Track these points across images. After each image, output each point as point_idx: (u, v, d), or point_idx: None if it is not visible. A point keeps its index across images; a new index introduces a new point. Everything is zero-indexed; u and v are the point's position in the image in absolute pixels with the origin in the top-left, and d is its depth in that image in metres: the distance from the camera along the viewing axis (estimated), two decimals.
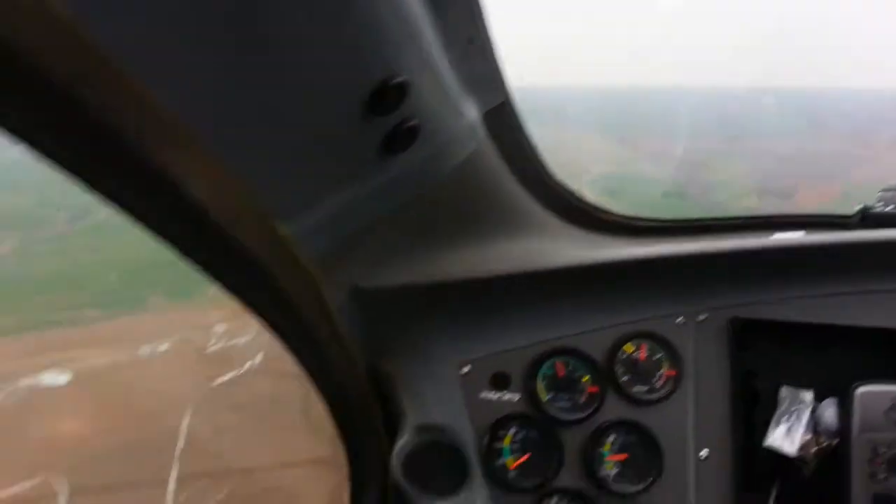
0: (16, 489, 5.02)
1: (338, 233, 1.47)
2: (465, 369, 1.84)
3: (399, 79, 1.25)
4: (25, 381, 5.84)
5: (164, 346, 6.17)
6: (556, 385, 1.83)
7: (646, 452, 1.80)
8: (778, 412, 1.79)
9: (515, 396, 1.83)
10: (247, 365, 5.60)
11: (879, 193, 2.08)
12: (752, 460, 1.80)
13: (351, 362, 1.65)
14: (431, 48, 1.39)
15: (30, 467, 5.05)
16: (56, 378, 5.82)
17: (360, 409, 1.76)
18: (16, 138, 0.68)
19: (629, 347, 1.83)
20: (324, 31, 1.06)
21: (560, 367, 1.84)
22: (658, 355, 1.83)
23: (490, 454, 1.81)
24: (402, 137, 1.38)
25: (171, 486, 4.98)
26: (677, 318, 1.83)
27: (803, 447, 1.74)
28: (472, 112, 1.70)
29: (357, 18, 1.09)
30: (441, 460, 1.79)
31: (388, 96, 1.24)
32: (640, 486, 1.79)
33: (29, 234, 10.10)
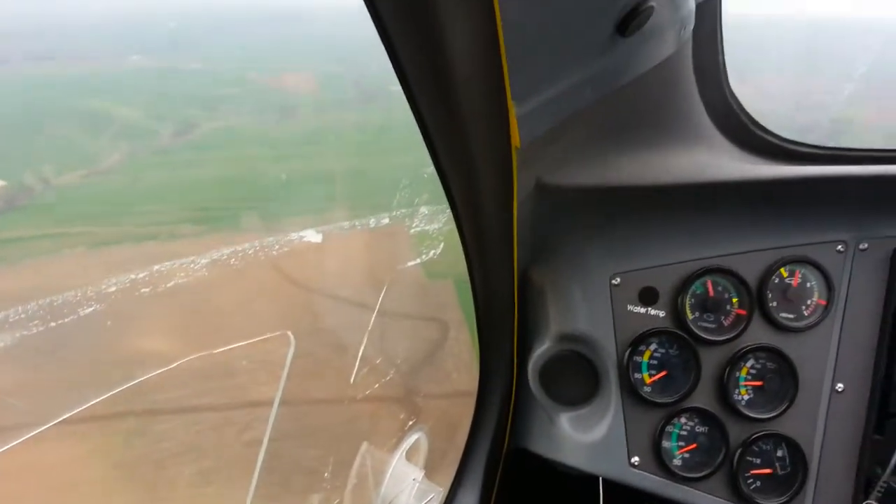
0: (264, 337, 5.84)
1: (549, 122, 1.48)
2: (616, 281, 1.86)
3: None
4: (294, 235, 6.77)
5: (385, 220, 6.93)
6: (703, 304, 1.84)
7: (782, 380, 1.81)
8: None
9: (661, 312, 1.85)
10: (430, 253, 6.14)
11: None
12: (887, 400, 1.77)
13: (509, 259, 1.71)
14: None
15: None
16: (314, 235, 6.86)
17: (503, 311, 1.83)
18: None
19: (784, 272, 1.81)
20: None
21: (710, 286, 1.84)
22: (811, 283, 1.80)
23: (629, 367, 1.85)
24: (636, 18, 1.37)
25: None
26: (838, 245, 1.78)
27: None
28: (689, 4, 1.68)
29: None
30: (576, 371, 1.85)
31: None
32: (771, 414, 1.81)
33: (136, 145, 10.63)
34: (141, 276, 6.12)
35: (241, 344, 5.88)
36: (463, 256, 1.68)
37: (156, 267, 6.30)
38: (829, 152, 2.15)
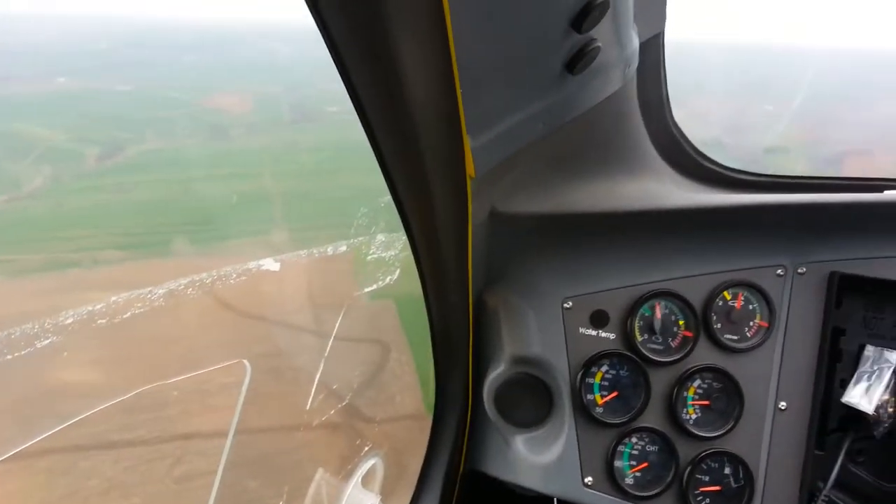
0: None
1: (502, 153, 1.52)
2: (568, 304, 1.91)
3: None
4: (252, 264, 6.63)
5: (343, 248, 7.26)
6: (651, 327, 1.90)
7: (728, 400, 1.88)
8: (860, 370, 1.82)
9: (612, 335, 1.90)
10: (387, 279, 6.45)
11: None
12: (826, 416, 1.85)
13: (464, 285, 1.74)
14: None
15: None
16: (272, 264, 6.93)
17: (459, 336, 1.86)
18: None
19: (727, 295, 1.88)
20: None
21: (658, 309, 1.90)
22: (753, 305, 1.88)
23: (581, 388, 1.89)
24: (584, 58, 1.42)
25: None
26: (777, 269, 1.86)
27: (880, 406, 1.77)
28: (633, 41, 1.74)
29: None
30: (530, 394, 1.88)
31: (591, 14, 1.29)
32: (718, 432, 1.87)
33: (60, 168, 10.25)
34: (98, 307, 6.04)
35: (196, 373, 5.90)
36: (417, 281, 1.71)
37: (113, 298, 6.24)
38: (767, 180, 2.24)
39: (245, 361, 6.17)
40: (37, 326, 5.91)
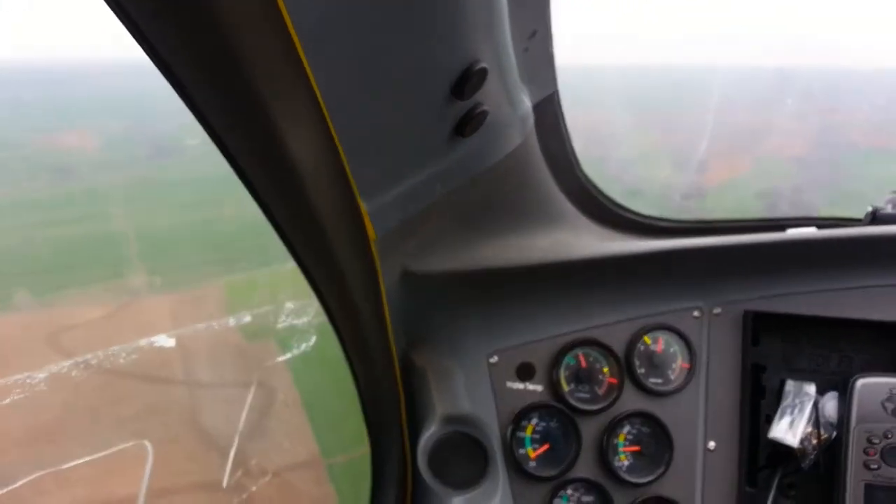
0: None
1: (402, 214, 1.55)
2: (494, 359, 1.92)
3: (481, 65, 1.35)
4: (143, 341, 6.38)
5: (247, 318, 6.79)
6: (577, 376, 1.92)
7: (657, 444, 1.90)
8: (782, 405, 1.87)
9: (539, 387, 1.92)
10: (302, 346, 6.14)
11: (890, 195, 2.17)
12: (756, 452, 1.90)
13: (387, 348, 1.75)
14: (506, 38, 1.50)
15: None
16: (166, 340, 6.51)
17: (389, 399, 1.85)
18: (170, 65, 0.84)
19: (647, 339, 1.92)
20: (423, 15, 1.15)
21: (582, 358, 1.92)
22: (674, 348, 1.92)
23: (513, 443, 1.89)
24: (472, 122, 1.47)
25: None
26: (694, 311, 1.92)
27: (805, 439, 1.82)
28: (525, 102, 1.81)
29: (452, 5, 1.19)
30: (464, 452, 1.87)
31: (470, 80, 1.34)
32: (651, 477, 1.88)
33: None
34: None
35: (93, 457, 5.59)
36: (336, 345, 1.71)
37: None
38: (680, 225, 2.36)
39: (146, 442, 5.79)
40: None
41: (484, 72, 1.35)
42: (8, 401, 5.67)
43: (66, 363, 6.21)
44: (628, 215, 2.33)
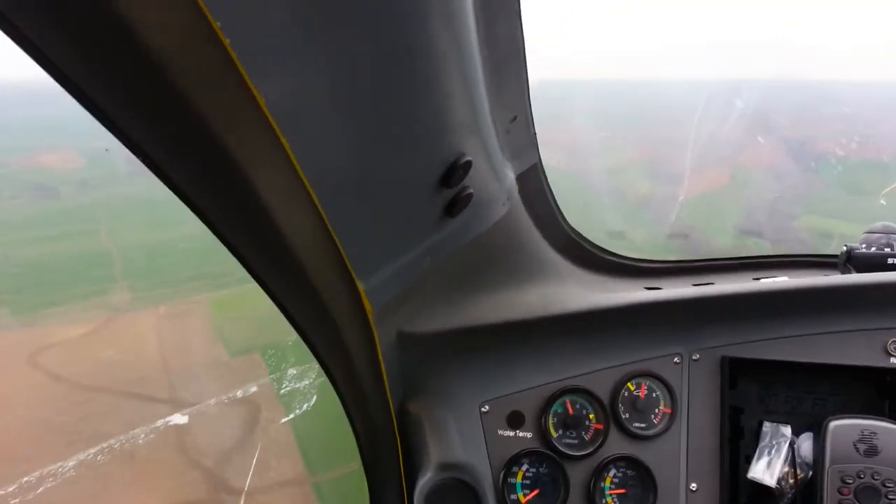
0: None
1: (396, 288, 1.64)
2: (485, 408, 1.99)
3: (466, 158, 1.47)
4: (160, 422, 6.83)
5: (253, 388, 7.25)
6: (564, 422, 1.99)
7: (642, 486, 1.96)
8: (760, 446, 1.94)
9: (529, 434, 1.99)
10: (304, 406, 6.63)
11: (864, 235, 2.29)
12: (736, 492, 1.96)
13: (384, 402, 1.83)
14: (489, 128, 1.61)
15: None
16: (180, 419, 6.94)
17: (387, 448, 1.93)
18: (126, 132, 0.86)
19: (631, 386, 1.99)
20: (411, 115, 1.26)
21: (569, 405, 1.99)
22: (656, 393, 1.99)
23: (504, 489, 1.96)
24: (459, 203, 1.58)
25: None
26: (674, 357, 1.99)
27: (782, 479, 1.88)
28: (509, 176, 1.92)
29: (437, 106, 1.30)
30: (458, 497, 1.90)
31: (457, 172, 1.46)
32: None
33: None
34: (10, 489, 5.97)
35: None
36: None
37: (24, 479, 6.10)
38: (662, 265, 2.43)
39: None
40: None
41: (469, 164, 1.45)
42: (41, 490, 6.05)
43: (92, 450, 6.55)
44: (613, 259, 2.40)
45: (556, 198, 2.24)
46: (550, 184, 2.20)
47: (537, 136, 2.03)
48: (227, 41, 0.79)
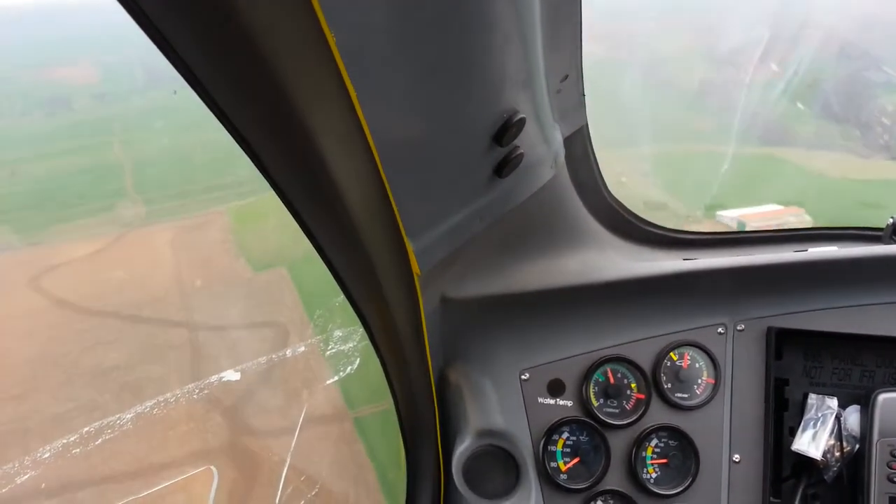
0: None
1: (443, 251, 1.64)
2: (525, 376, 2.00)
3: (519, 116, 1.46)
4: (213, 378, 7.14)
5: (301, 348, 7.35)
6: (606, 391, 2.00)
7: (684, 456, 1.98)
8: (805, 418, 1.93)
9: (569, 402, 2.00)
10: (348, 369, 6.70)
11: None
12: (780, 464, 1.97)
13: (425, 368, 1.85)
14: (542, 86, 1.59)
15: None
16: (233, 374, 7.18)
17: (426, 414, 1.95)
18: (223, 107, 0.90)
19: (674, 356, 2.00)
20: (467, 70, 1.25)
21: (610, 374, 2.00)
22: (699, 363, 1.99)
23: (545, 457, 1.99)
24: (510, 164, 1.57)
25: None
26: (718, 328, 1.99)
27: (828, 451, 1.88)
28: (557, 139, 1.89)
29: (494, 56, 1.29)
30: (497, 464, 1.95)
31: (510, 130, 1.44)
32: (678, 489, 1.97)
33: None
34: (72, 438, 6.36)
35: (164, 485, 6.27)
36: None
37: (84, 429, 6.48)
38: (700, 237, 2.43)
39: (212, 468, 6.39)
40: (16, 465, 6.02)
41: (522, 122, 1.45)
42: (100, 441, 6.42)
43: (149, 403, 6.90)
44: (654, 230, 2.40)
45: (599, 164, 2.22)
46: (594, 146, 2.17)
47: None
48: None
